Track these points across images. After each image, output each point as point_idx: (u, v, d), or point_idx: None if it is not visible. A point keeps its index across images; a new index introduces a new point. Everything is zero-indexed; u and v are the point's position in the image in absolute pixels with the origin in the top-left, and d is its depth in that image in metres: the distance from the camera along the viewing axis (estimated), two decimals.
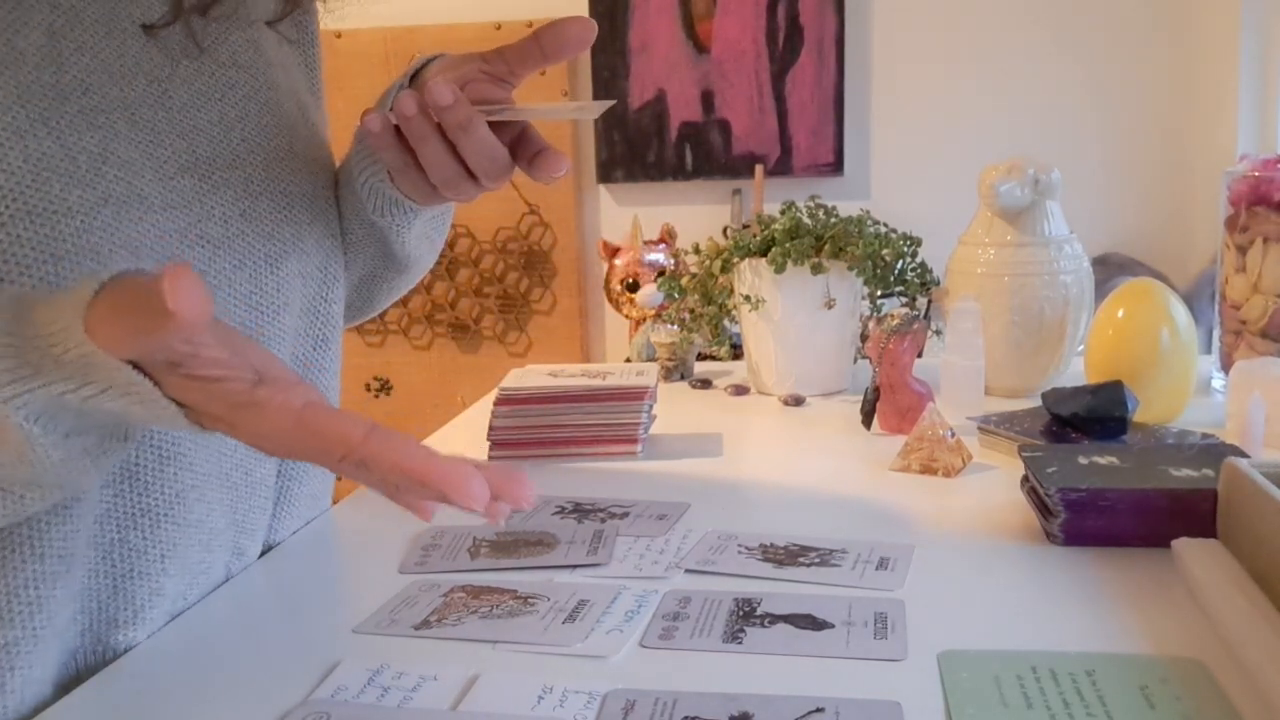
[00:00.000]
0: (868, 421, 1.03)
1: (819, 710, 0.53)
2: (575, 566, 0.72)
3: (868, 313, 1.19)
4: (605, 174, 2.79)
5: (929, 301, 1.19)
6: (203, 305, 0.43)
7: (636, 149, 2.76)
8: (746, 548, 0.74)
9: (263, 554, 0.76)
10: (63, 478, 0.51)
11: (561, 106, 0.63)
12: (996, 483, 0.88)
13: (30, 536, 0.56)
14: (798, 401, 1.17)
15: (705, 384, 1.26)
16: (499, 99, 0.67)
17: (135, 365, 0.46)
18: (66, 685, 0.60)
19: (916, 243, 1.20)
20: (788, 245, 1.14)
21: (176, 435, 0.64)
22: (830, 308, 1.16)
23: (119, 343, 0.45)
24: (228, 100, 0.68)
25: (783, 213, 1.20)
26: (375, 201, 0.74)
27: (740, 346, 1.27)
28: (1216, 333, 1.15)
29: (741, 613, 0.64)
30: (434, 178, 0.67)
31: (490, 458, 0.99)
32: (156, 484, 0.62)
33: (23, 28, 0.56)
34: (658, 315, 1.30)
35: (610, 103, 0.67)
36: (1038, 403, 1.01)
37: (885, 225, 1.20)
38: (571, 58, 0.66)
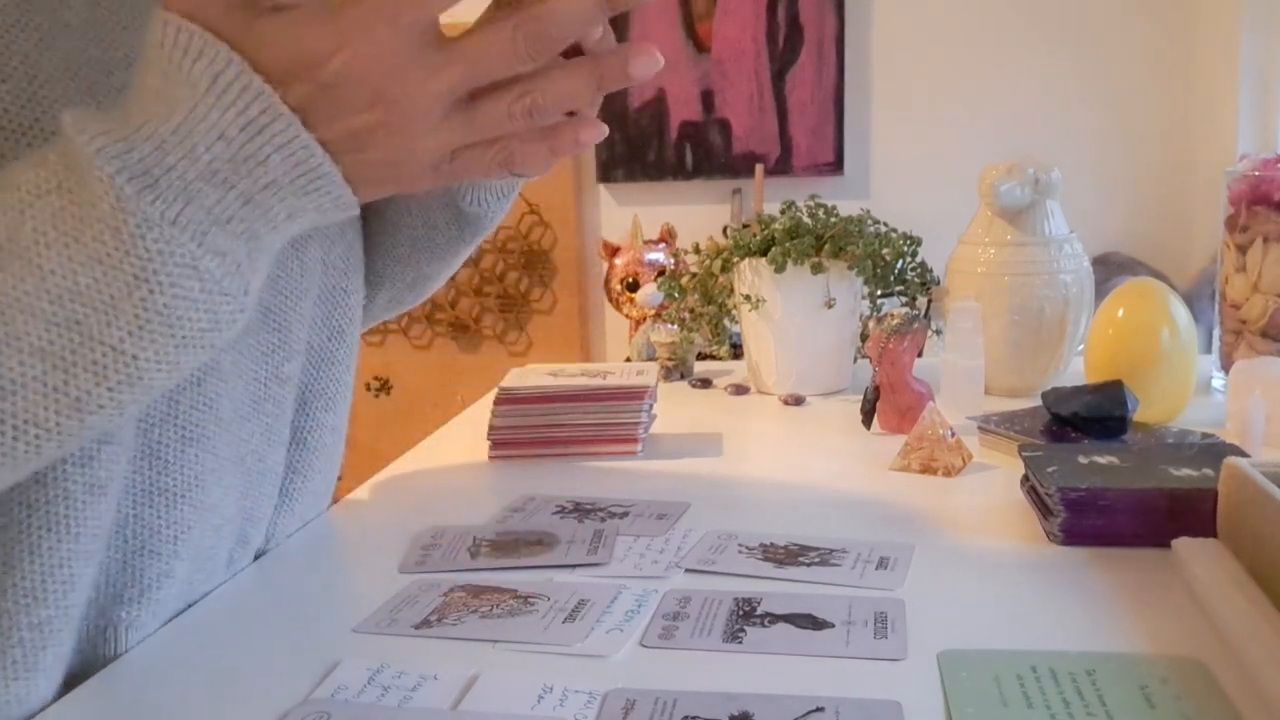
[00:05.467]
0: (868, 421, 1.03)
1: (819, 710, 0.53)
2: (575, 566, 0.72)
3: (868, 312, 1.19)
4: (605, 174, 2.79)
5: (929, 301, 1.19)
6: None
7: (636, 149, 2.76)
8: (746, 547, 0.74)
9: (263, 552, 0.76)
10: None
11: None
12: (996, 483, 0.88)
13: (66, 515, 0.55)
14: (798, 401, 1.17)
15: (705, 384, 1.26)
16: None
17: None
18: (69, 660, 0.60)
19: (916, 242, 1.20)
20: (788, 245, 1.14)
21: (200, 417, 0.63)
22: (830, 307, 1.16)
23: None
24: None
25: (783, 212, 1.20)
26: (474, 193, 0.76)
27: (740, 346, 1.27)
28: (1216, 332, 1.15)
29: (741, 612, 0.64)
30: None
31: (490, 458, 0.99)
32: (177, 464, 0.62)
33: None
34: (658, 315, 1.30)
35: None
36: (1038, 402, 1.01)
37: (885, 225, 1.20)
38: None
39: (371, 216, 0.81)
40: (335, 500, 0.88)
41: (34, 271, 0.44)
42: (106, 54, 0.56)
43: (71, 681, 0.59)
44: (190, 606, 0.67)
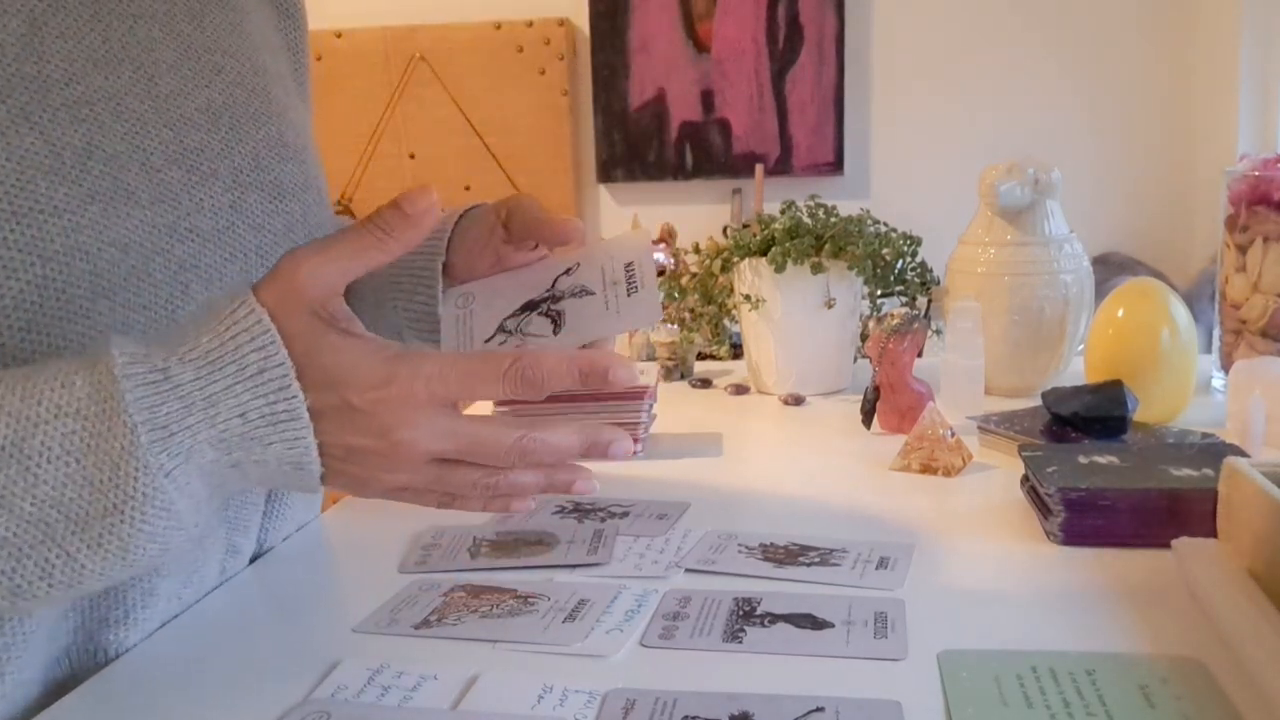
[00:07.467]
0: (868, 421, 1.03)
1: (819, 710, 0.53)
2: (575, 566, 0.72)
3: (868, 312, 1.19)
4: (605, 174, 2.79)
5: (929, 301, 1.19)
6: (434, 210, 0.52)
7: (636, 149, 2.76)
8: (746, 547, 0.74)
9: (259, 555, 0.76)
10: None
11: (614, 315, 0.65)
12: (996, 482, 0.88)
13: None
14: (798, 401, 1.17)
15: (705, 384, 1.26)
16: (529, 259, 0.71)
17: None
18: (61, 683, 0.60)
19: (916, 242, 1.20)
20: (788, 245, 1.14)
21: None
22: (830, 307, 1.16)
23: (328, 273, 0.50)
24: (214, 86, 0.66)
25: (783, 212, 1.20)
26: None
27: (740, 346, 1.27)
28: (1216, 332, 1.15)
29: (741, 612, 0.64)
30: None
31: None
32: None
33: (1, 15, 0.54)
34: None
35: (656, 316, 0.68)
36: (1038, 402, 1.01)
37: (885, 225, 1.20)
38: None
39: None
40: (333, 501, 0.88)
41: (26, 476, 0.46)
42: (43, 69, 0.55)
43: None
44: (188, 609, 0.67)
